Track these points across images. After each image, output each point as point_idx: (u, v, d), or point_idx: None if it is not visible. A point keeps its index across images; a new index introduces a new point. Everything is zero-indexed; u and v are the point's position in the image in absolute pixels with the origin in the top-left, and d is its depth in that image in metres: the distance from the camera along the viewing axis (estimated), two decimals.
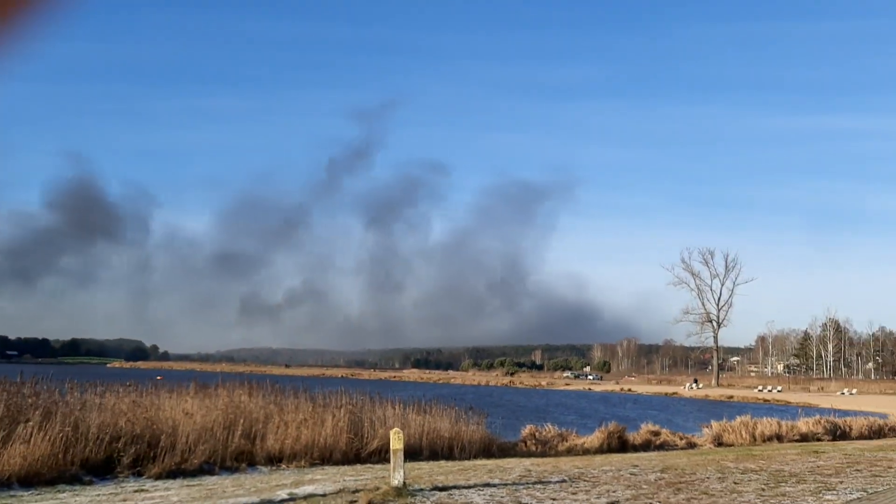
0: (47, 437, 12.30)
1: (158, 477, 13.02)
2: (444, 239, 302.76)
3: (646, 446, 22.83)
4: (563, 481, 11.75)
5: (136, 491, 11.20)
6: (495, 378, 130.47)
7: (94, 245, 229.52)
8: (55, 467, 12.15)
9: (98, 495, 10.64)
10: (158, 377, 19.41)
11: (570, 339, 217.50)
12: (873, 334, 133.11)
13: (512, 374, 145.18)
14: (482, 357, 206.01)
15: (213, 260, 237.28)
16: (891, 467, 14.79)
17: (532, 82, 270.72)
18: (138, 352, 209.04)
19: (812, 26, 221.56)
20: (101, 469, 13.04)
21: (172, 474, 13.28)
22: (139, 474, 13.19)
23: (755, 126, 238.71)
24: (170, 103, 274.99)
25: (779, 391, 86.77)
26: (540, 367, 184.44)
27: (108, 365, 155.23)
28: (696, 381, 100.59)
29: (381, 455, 16.06)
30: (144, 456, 13.59)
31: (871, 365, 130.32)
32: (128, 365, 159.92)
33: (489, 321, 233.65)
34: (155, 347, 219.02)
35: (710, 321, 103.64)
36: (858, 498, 10.72)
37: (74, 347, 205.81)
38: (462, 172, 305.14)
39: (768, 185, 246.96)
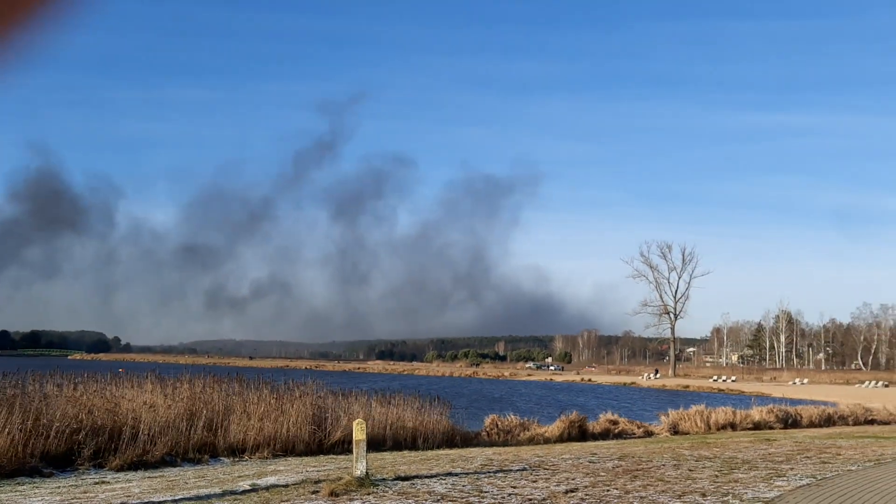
0: (7, 430, 12.17)
1: (119, 469, 12.97)
2: (410, 231, 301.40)
3: (605, 435, 23.25)
4: (524, 469, 11.98)
5: (96, 483, 11.14)
6: (459, 369, 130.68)
7: (57, 236, 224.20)
8: (15, 460, 12.04)
9: (58, 487, 10.57)
10: (120, 370, 19.21)
11: (533, 331, 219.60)
12: (824, 326, 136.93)
13: (476, 366, 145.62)
14: (446, 349, 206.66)
15: (178, 252, 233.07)
16: (839, 454, 15.30)
17: (496, 76, 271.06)
18: (100, 344, 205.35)
19: (772, 24, 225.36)
20: (61, 461, 12.95)
21: (134, 466, 13.23)
22: (100, 466, 13.13)
23: (713, 122, 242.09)
24: (135, 94, 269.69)
25: (733, 381, 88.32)
26: (503, 359, 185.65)
27: (70, 357, 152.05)
28: (656, 372, 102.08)
29: (344, 446, 16.15)
30: (105, 448, 13.53)
31: (821, 355, 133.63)
32: (89, 357, 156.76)
33: (454, 313, 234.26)
34: (117, 339, 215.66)
35: (668, 313, 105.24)
36: (808, 484, 11.10)
37: (35, 339, 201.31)
38: (428, 166, 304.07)
39: (724, 180, 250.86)
